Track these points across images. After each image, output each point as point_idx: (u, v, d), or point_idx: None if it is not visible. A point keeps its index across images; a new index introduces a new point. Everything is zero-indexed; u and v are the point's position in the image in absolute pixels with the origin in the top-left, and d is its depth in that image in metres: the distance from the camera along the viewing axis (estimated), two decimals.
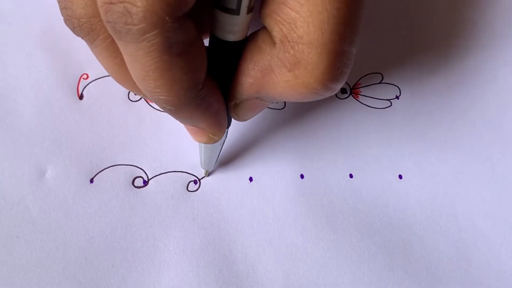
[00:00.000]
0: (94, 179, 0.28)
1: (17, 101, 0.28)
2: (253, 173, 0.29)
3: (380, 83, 0.31)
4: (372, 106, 0.31)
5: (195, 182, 0.29)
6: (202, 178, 0.29)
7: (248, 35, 0.20)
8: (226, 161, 0.29)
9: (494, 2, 0.33)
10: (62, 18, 0.30)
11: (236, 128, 0.29)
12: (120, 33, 0.16)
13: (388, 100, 0.31)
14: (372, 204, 0.29)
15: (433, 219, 0.29)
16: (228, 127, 0.24)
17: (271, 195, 0.29)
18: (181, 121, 0.22)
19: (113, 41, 0.19)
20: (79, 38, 0.29)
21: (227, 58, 0.20)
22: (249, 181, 0.29)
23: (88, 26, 0.19)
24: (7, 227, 0.27)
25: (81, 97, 0.29)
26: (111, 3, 0.15)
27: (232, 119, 0.24)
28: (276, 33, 0.18)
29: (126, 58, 0.17)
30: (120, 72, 0.20)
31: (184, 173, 0.29)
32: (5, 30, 0.29)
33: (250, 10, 0.18)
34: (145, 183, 0.28)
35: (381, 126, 0.30)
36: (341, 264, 0.28)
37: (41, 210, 0.27)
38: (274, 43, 0.19)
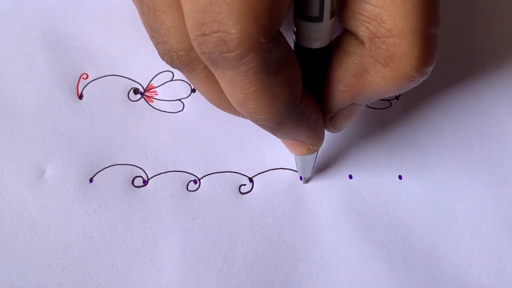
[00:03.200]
0: (94, 178, 0.28)
1: (16, 101, 0.29)
2: (255, 174, 0.29)
3: None
4: (372, 106, 0.31)
5: (195, 181, 0.29)
6: (306, 183, 0.29)
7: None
8: (226, 161, 0.29)
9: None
10: (62, 17, 0.30)
11: (235, 128, 0.29)
12: (216, 62, 0.16)
13: (388, 100, 0.31)
14: (372, 204, 0.29)
15: (433, 219, 0.29)
16: None
17: (271, 195, 0.29)
18: (281, 137, 0.22)
19: None
20: (79, 38, 0.30)
21: (316, 66, 0.20)
22: (249, 182, 0.29)
23: (186, 58, 0.19)
24: (7, 227, 0.27)
25: (80, 96, 0.29)
26: (204, 35, 0.15)
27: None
28: (363, 32, 0.18)
29: (224, 85, 0.17)
30: (222, 98, 0.20)
31: (184, 172, 0.29)
32: (5, 30, 0.29)
33: (333, 14, 0.18)
34: (145, 182, 0.28)
35: (381, 126, 0.30)
36: (341, 264, 0.28)
37: (41, 210, 0.27)
38: (362, 43, 0.18)
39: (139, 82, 0.30)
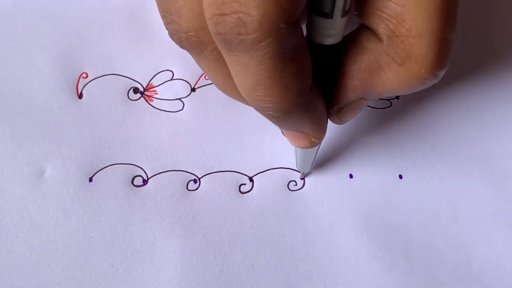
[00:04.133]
0: (93, 178, 0.28)
1: (16, 101, 0.29)
2: (255, 173, 0.29)
3: None
4: (372, 106, 0.31)
5: (195, 181, 0.29)
6: (302, 179, 0.29)
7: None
8: (226, 161, 0.29)
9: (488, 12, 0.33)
10: (62, 17, 0.30)
11: (235, 127, 0.29)
12: (231, 44, 0.16)
13: (388, 100, 0.31)
14: (372, 204, 0.29)
15: (433, 219, 0.29)
16: None
17: (271, 195, 0.29)
18: (285, 128, 0.22)
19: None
20: (79, 38, 0.30)
21: (326, 62, 0.20)
22: (249, 181, 0.29)
23: (196, 39, 0.18)
24: (7, 227, 0.27)
25: (80, 96, 0.29)
26: (222, 14, 0.15)
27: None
28: (383, 29, 0.18)
29: (235, 69, 0.17)
30: (229, 82, 0.19)
31: (184, 172, 0.29)
32: (5, 30, 0.30)
33: (345, 13, 0.18)
34: (145, 182, 0.28)
35: (381, 125, 0.30)
36: (341, 264, 0.28)
37: (40, 210, 0.27)
38: (380, 40, 0.19)
39: (139, 81, 0.30)
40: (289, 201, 0.29)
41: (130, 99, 0.29)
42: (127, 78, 0.29)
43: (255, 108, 0.19)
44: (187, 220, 0.28)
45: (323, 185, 0.29)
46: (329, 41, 0.19)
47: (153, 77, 0.30)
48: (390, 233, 0.29)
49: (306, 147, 0.23)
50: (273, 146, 0.29)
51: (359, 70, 0.20)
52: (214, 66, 0.19)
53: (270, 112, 0.18)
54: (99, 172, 0.28)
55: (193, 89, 0.30)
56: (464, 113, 0.31)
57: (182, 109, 0.30)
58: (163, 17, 0.19)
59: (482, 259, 0.29)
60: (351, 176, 0.30)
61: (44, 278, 0.26)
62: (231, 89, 0.20)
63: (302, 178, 0.29)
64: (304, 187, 0.29)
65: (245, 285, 0.27)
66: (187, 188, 0.28)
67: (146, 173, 0.28)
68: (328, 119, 0.23)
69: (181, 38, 0.19)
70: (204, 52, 0.19)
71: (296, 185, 0.29)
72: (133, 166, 0.28)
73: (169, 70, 0.30)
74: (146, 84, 0.30)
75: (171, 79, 0.30)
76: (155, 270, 0.27)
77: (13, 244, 0.27)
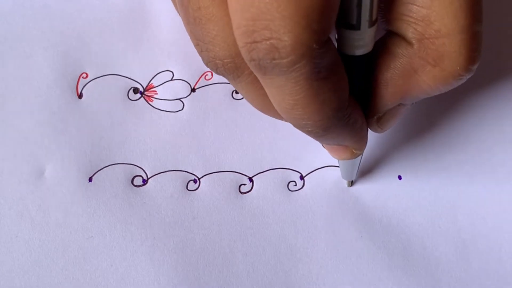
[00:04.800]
0: (93, 178, 0.28)
1: (16, 100, 0.29)
2: (255, 174, 0.29)
3: None
4: None
5: (194, 181, 0.29)
6: (351, 186, 0.29)
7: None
8: (226, 161, 0.29)
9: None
10: (62, 17, 0.30)
11: (235, 127, 0.29)
12: (265, 69, 0.16)
13: None
14: (372, 205, 0.29)
15: (433, 219, 0.29)
16: None
17: (271, 195, 0.29)
18: (326, 142, 0.22)
19: None
20: (79, 38, 0.30)
21: (359, 73, 0.20)
22: (249, 181, 0.29)
23: (232, 65, 0.19)
24: (6, 227, 0.27)
25: (80, 96, 0.29)
26: (255, 42, 0.15)
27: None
28: (412, 33, 0.18)
29: (271, 91, 0.17)
30: (267, 103, 0.20)
31: (183, 172, 0.29)
32: (5, 30, 0.30)
33: (372, 23, 0.18)
34: (145, 182, 0.28)
35: None
36: (341, 264, 0.28)
37: (40, 209, 0.27)
38: (410, 44, 0.19)
39: (138, 81, 0.30)
40: (289, 201, 0.29)
41: (130, 99, 0.29)
42: (127, 78, 0.29)
43: (294, 125, 0.19)
44: (187, 220, 0.28)
45: (323, 185, 0.29)
46: (360, 51, 0.19)
47: (153, 77, 0.30)
48: (389, 233, 0.29)
49: (349, 159, 0.24)
50: (273, 146, 0.29)
51: (393, 77, 0.20)
52: (251, 88, 0.20)
53: (309, 129, 0.19)
54: (99, 172, 0.28)
55: (193, 90, 0.30)
56: (464, 113, 0.31)
57: (182, 109, 0.30)
58: (196, 45, 0.19)
59: (482, 259, 0.29)
60: None
61: (44, 278, 0.26)
62: (268, 109, 0.20)
63: (350, 186, 0.29)
64: (304, 187, 0.29)
65: (245, 285, 0.27)
66: (187, 188, 0.28)
67: (146, 173, 0.28)
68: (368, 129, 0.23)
69: (217, 65, 0.19)
70: (240, 76, 0.19)
71: (296, 185, 0.29)
72: (133, 166, 0.28)
73: (169, 71, 0.30)
74: (146, 84, 0.30)
75: (171, 80, 0.30)
76: (155, 270, 0.27)
77: (13, 243, 0.27)
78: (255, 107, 0.21)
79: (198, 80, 0.30)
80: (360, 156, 0.26)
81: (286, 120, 0.19)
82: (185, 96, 0.30)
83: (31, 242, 0.27)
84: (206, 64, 0.20)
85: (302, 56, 0.15)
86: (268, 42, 0.15)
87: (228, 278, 0.27)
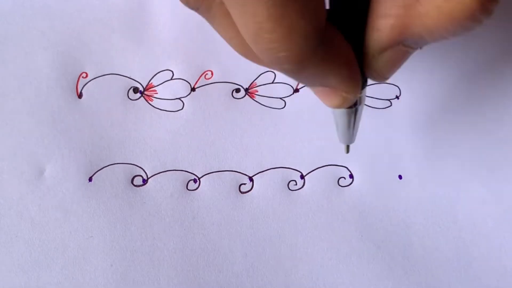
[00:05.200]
0: (93, 177, 0.28)
1: (16, 100, 0.29)
2: (255, 173, 0.29)
3: (380, 83, 0.31)
4: (372, 106, 0.31)
5: (194, 180, 0.29)
6: (348, 152, 0.25)
7: None
8: (226, 160, 0.29)
9: None
10: (62, 17, 0.30)
11: (235, 127, 0.29)
12: None
13: (388, 100, 0.31)
14: (372, 204, 0.29)
15: (433, 219, 0.29)
16: (363, 88, 0.21)
17: (271, 195, 0.29)
18: (307, 83, 0.19)
19: None
20: (79, 38, 0.30)
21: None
22: (249, 181, 0.29)
23: None
24: (6, 226, 0.27)
25: (80, 95, 0.29)
26: None
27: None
28: None
29: (236, 15, 0.16)
30: (239, 36, 0.18)
31: (183, 171, 0.29)
32: (5, 30, 0.30)
33: None
34: (145, 181, 0.28)
35: (381, 126, 0.30)
36: (341, 264, 0.28)
37: (40, 209, 0.27)
38: None
39: (138, 81, 0.30)
40: (289, 201, 0.29)
41: (130, 99, 0.29)
42: (127, 78, 0.30)
43: (268, 62, 0.17)
44: (187, 219, 0.28)
45: (323, 185, 0.29)
46: None
47: (153, 76, 0.30)
48: (389, 233, 0.29)
49: (340, 106, 0.20)
50: (273, 146, 0.29)
51: (393, 6, 0.17)
52: (225, 23, 0.18)
53: (284, 65, 0.17)
54: (98, 172, 0.28)
55: (193, 89, 0.30)
56: (464, 113, 0.31)
57: (182, 108, 0.30)
58: None
59: (482, 259, 0.29)
60: (351, 176, 0.30)
61: (44, 278, 0.26)
62: (246, 48, 0.18)
63: (347, 152, 0.26)
64: (304, 187, 0.29)
65: (245, 285, 0.27)
66: (187, 188, 0.28)
67: (146, 173, 0.28)
68: (368, 78, 0.21)
69: None
70: (212, 7, 0.18)
71: (296, 185, 0.29)
72: (133, 165, 0.28)
73: (169, 70, 0.30)
74: (146, 84, 0.30)
75: (171, 79, 0.30)
76: (155, 270, 0.27)
77: (13, 243, 0.27)
78: (229, 43, 0.20)
79: (198, 80, 0.30)
80: (355, 110, 0.22)
81: (262, 61, 0.17)
82: (185, 95, 0.30)
83: (31, 242, 0.27)
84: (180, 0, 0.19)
85: None
86: None
87: (228, 278, 0.27)
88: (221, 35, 0.20)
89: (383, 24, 0.18)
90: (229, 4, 0.16)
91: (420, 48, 0.21)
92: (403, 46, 0.19)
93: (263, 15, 0.15)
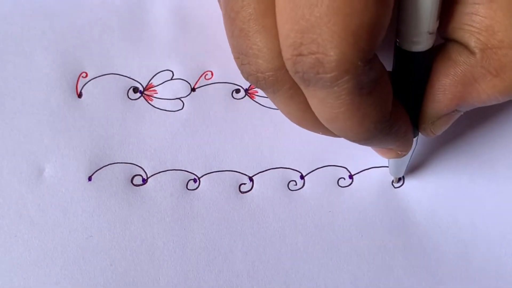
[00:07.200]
0: (93, 177, 0.28)
1: (16, 100, 0.29)
2: (255, 173, 0.29)
3: None
4: None
5: (194, 180, 0.29)
6: (398, 185, 0.29)
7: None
8: (226, 160, 0.29)
9: None
10: (61, 17, 0.30)
11: (235, 127, 0.29)
12: (309, 82, 0.16)
13: None
14: (372, 204, 0.29)
15: (433, 219, 0.29)
16: (414, 137, 0.24)
17: (271, 195, 0.29)
18: (370, 146, 0.23)
19: (298, 88, 0.19)
20: (79, 38, 0.30)
21: (415, 71, 0.20)
22: (249, 181, 0.29)
23: (273, 79, 0.19)
24: (5, 226, 0.27)
25: (80, 95, 0.29)
26: (301, 55, 0.16)
27: None
28: (475, 43, 0.19)
29: (313, 102, 0.18)
30: (304, 117, 0.20)
31: (183, 171, 0.29)
32: (5, 30, 0.30)
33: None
34: (144, 181, 0.28)
35: None
36: (341, 264, 0.28)
37: (39, 209, 0.27)
38: (472, 53, 0.19)
39: (138, 80, 0.30)
40: (289, 201, 0.29)
41: (130, 99, 0.29)
42: (126, 78, 0.29)
43: (337, 135, 0.19)
44: (186, 219, 0.28)
45: (323, 185, 0.29)
46: (420, 48, 0.19)
47: (153, 76, 0.30)
48: (390, 233, 0.29)
49: (394, 158, 0.24)
50: (273, 146, 0.29)
51: (452, 84, 0.20)
52: (289, 103, 0.20)
53: (352, 139, 0.19)
54: (98, 171, 0.28)
55: (193, 89, 0.30)
56: (464, 113, 0.31)
57: (182, 108, 0.30)
58: (236, 58, 0.19)
59: (482, 259, 0.29)
60: (350, 176, 0.30)
61: (43, 278, 0.26)
62: (306, 123, 0.21)
63: (397, 185, 0.29)
64: (304, 187, 0.29)
65: (245, 285, 0.27)
66: (186, 188, 0.28)
67: (145, 172, 0.28)
68: (420, 133, 0.24)
69: (258, 78, 0.19)
70: (280, 90, 0.19)
71: (296, 185, 0.29)
72: (133, 165, 0.28)
73: (169, 70, 0.30)
74: (146, 84, 0.30)
75: (171, 79, 0.30)
76: (155, 270, 0.27)
77: (12, 243, 0.27)
78: (292, 121, 0.22)
79: (198, 80, 0.30)
80: (410, 155, 0.26)
81: (324, 133, 0.20)
82: (185, 95, 0.30)
83: (30, 242, 0.27)
84: (246, 78, 0.20)
85: (345, 72, 0.15)
86: (314, 56, 0.15)
87: (228, 278, 0.27)
88: (280, 110, 0.21)
89: (442, 97, 0.21)
90: (308, 94, 0.18)
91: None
92: (457, 111, 0.22)
93: (340, 108, 0.17)
